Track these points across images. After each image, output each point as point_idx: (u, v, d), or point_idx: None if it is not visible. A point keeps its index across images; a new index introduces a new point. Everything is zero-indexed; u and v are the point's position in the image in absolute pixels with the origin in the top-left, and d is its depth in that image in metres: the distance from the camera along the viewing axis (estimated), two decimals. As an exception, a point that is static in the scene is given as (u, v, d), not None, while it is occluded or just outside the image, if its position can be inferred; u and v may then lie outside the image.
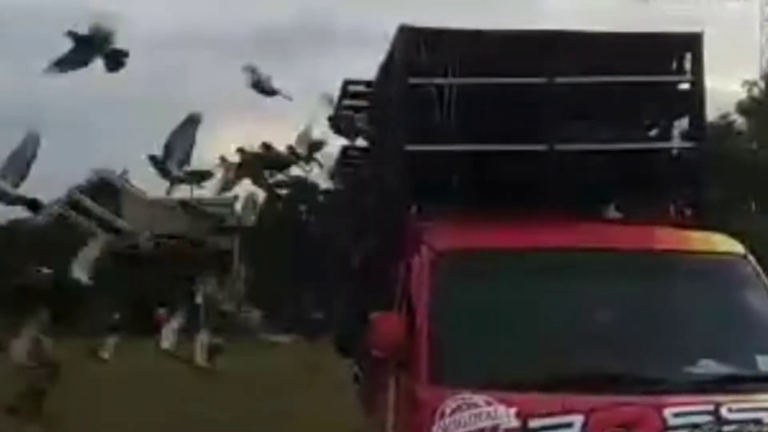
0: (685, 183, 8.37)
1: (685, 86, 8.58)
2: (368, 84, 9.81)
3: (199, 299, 44.12)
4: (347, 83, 9.89)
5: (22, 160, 13.84)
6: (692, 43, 8.39)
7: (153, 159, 14.63)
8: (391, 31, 8.50)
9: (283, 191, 49.13)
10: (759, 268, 7.08)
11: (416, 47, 8.28)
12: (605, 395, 6.06)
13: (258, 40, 63.10)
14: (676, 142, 8.68)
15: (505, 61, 8.33)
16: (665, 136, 8.82)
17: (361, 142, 10.99)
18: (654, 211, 7.94)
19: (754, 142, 46.28)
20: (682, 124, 8.61)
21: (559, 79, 8.25)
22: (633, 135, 8.66)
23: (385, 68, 9.09)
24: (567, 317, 6.60)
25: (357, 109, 10.46)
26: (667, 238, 7.16)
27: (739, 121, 46.94)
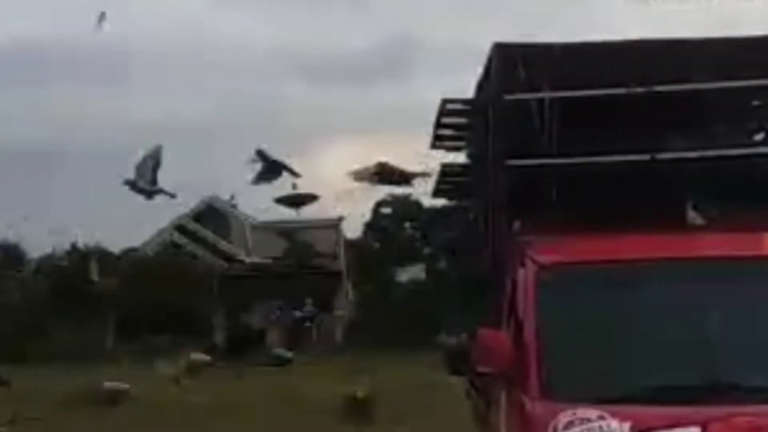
0: None
1: None
2: (466, 101, 9.87)
3: (308, 322, 44.41)
4: (445, 102, 9.96)
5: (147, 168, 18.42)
6: None
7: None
8: (487, 48, 8.56)
9: (386, 210, 49.23)
10: None
11: (511, 63, 8.31)
12: (721, 406, 5.97)
13: (355, 63, 63.79)
14: None
15: (603, 72, 8.31)
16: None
17: (460, 158, 11.04)
18: (762, 218, 7.80)
19: None
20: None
21: (659, 88, 8.19)
22: (737, 141, 8.54)
23: (482, 85, 9.13)
24: (677, 327, 6.50)
25: (456, 127, 10.51)
26: None
27: None
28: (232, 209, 45.72)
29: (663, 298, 6.59)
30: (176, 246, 41.46)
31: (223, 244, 42.69)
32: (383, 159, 13.47)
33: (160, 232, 43.31)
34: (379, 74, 67.49)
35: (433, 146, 11.02)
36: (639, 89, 8.18)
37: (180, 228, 42.75)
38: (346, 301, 40.43)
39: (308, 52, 60.83)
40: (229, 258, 41.95)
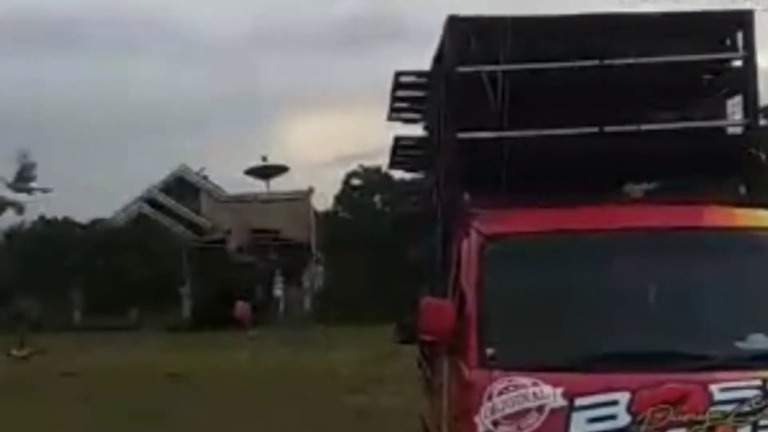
0: (738, 161, 8.33)
1: (737, 63, 8.54)
2: (419, 74, 9.93)
3: (278, 292, 44.91)
4: (399, 74, 10.02)
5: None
6: (743, 20, 8.36)
7: None
8: (442, 21, 8.61)
9: (357, 182, 49.17)
10: None
11: (465, 37, 8.37)
12: (651, 373, 6.11)
13: (321, 34, 63.64)
14: (728, 121, 8.66)
15: (556, 46, 8.39)
16: (718, 114, 8.80)
17: (413, 131, 11.12)
18: (705, 190, 7.93)
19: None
20: (735, 102, 8.58)
21: (610, 62, 8.29)
22: (685, 114, 8.65)
23: (437, 58, 9.19)
24: (612, 297, 6.64)
25: (412, 100, 10.58)
26: (714, 216, 7.15)
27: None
28: (202, 181, 45.66)
29: (599, 267, 6.73)
30: (145, 218, 41.37)
31: (192, 217, 42.64)
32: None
33: (130, 204, 43.19)
34: (355, 43, 67.47)
35: (390, 118, 11.09)
36: (590, 63, 8.27)
37: (150, 200, 42.64)
38: (315, 274, 40.49)
39: (279, 22, 60.72)
40: (199, 231, 41.91)
